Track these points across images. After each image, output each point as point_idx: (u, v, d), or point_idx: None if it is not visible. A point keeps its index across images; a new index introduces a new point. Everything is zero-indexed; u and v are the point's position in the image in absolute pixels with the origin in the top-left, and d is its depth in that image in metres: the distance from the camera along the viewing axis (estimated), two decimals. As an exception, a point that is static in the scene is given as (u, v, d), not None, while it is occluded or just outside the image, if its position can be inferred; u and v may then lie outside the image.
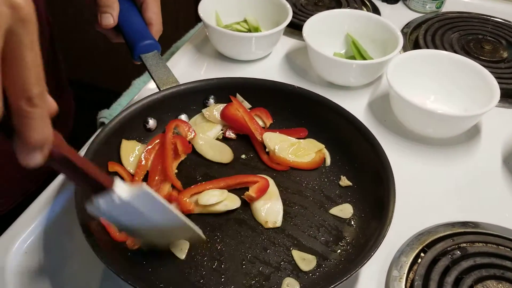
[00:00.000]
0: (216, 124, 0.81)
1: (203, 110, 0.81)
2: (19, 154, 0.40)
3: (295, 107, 0.81)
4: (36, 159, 0.41)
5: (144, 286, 0.55)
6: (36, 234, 0.69)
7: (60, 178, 0.76)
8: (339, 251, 0.66)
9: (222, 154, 0.78)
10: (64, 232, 0.70)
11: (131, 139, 0.75)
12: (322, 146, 0.78)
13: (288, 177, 0.76)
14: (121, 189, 0.51)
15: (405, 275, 0.66)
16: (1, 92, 0.35)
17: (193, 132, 0.78)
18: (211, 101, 0.82)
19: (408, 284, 0.65)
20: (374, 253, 0.58)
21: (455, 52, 1.03)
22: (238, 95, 0.82)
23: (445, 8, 1.24)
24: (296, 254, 0.65)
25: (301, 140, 0.79)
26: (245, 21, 1.08)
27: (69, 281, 0.65)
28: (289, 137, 0.79)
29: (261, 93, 0.82)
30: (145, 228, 0.58)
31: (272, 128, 0.82)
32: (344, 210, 0.70)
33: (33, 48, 0.36)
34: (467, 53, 1.06)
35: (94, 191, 0.51)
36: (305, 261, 0.64)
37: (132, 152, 0.74)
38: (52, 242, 0.69)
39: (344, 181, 0.74)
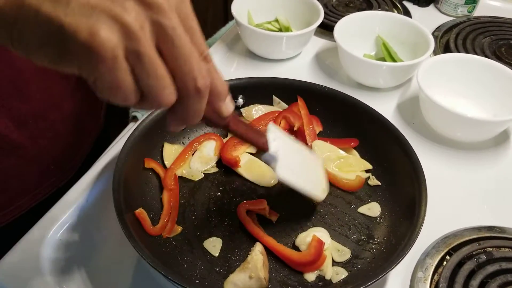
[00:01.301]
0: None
1: (242, 110, 0.83)
2: (219, 108, 0.49)
3: (324, 106, 0.82)
4: (230, 104, 0.51)
5: (181, 280, 0.56)
6: (71, 222, 0.72)
7: (93, 169, 0.79)
8: (370, 249, 0.67)
9: (262, 177, 0.76)
10: (98, 222, 0.72)
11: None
12: (369, 166, 0.77)
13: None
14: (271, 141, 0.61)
15: (430, 276, 0.66)
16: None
17: None
18: (240, 100, 0.83)
19: (433, 286, 0.66)
20: (408, 252, 0.58)
21: (486, 57, 1.03)
22: (275, 97, 0.83)
23: (477, 12, 1.23)
24: (332, 244, 0.67)
25: (351, 156, 0.79)
26: (277, 20, 1.09)
27: (102, 269, 0.67)
28: (338, 149, 0.79)
29: (289, 92, 0.83)
30: (300, 162, 0.66)
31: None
32: (372, 209, 0.71)
33: (194, 17, 0.44)
34: (498, 58, 1.05)
35: (262, 141, 0.60)
36: (339, 252, 0.66)
37: (172, 152, 0.78)
38: (86, 230, 0.71)
39: (373, 181, 0.75)
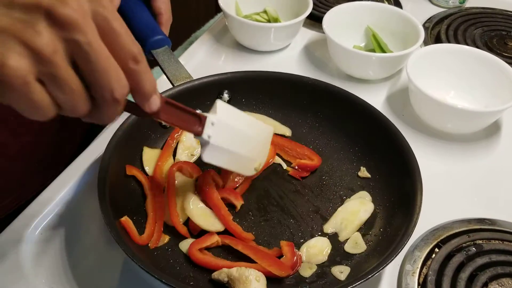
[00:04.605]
0: None
1: None
2: (142, 106, 0.48)
3: (312, 99, 0.81)
4: (156, 102, 0.48)
5: (174, 282, 0.54)
6: (52, 217, 0.70)
7: (75, 164, 0.77)
8: (367, 242, 0.66)
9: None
10: (81, 217, 0.70)
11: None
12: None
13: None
14: (210, 114, 0.60)
15: (418, 269, 0.65)
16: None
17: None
18: (226, 95, 0.81)
19: (421, 279, 0.64)
20: (406, 243, 0.58)
21: (478, 48, 1.02)
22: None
23: (468, 4, 1.21)
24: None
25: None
26: (265, 11, 1.08)
27: (86, 266, 0.65)
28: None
29: (276, 86, 0.82)
30: (239, 144, 0.64)
31: (289, 120, 0.82)
32: (362, 197, 0.71)
33: (116, 18, 0.42)
34: (489, 49, 1.04)
35: (196, 128, 0.58)
36: (357, 245, 0.66)
37: (152, 157, 0.75)
38: (67, 225, 0.69)
39: (363, 173, 0.74)
